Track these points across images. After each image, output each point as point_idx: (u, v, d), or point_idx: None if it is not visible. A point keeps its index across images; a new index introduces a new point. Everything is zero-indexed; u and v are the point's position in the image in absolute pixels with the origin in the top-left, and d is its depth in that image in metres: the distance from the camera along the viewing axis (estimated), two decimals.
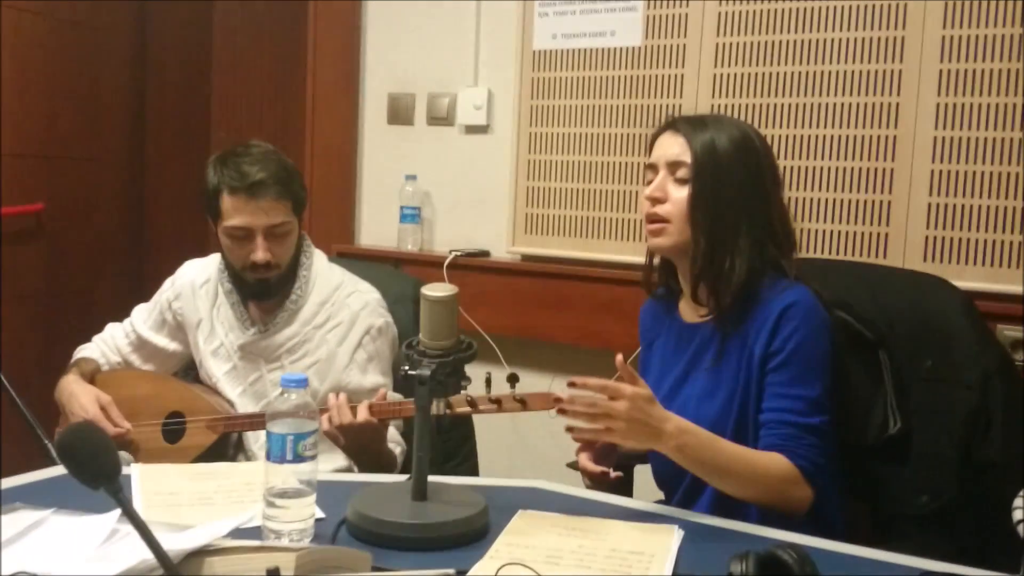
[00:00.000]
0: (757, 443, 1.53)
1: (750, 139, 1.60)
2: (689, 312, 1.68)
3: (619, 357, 1.43)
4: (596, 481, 1.64)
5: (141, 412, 2.00)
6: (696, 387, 1.62)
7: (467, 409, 1.61)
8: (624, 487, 1.85)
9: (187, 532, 1.16)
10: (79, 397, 1.95)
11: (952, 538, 1.57)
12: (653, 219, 1.61)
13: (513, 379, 1.59)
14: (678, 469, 1.51)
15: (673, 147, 1.60)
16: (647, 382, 1.72)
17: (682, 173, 1.58)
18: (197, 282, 2.06)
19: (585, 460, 1.65)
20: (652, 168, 1.63)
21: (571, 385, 1.42)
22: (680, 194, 1.58)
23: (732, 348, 1.58)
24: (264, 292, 1.97)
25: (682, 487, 1.63)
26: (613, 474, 1.63)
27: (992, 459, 1.59)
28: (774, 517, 1.49)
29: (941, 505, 1.61)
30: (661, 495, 1.73)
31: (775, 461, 1.48)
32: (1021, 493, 1.16)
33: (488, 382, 1.59)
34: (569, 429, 1.46)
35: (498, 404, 1.63)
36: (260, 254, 1.90)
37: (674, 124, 1.63)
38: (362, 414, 1.76)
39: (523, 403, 1.64)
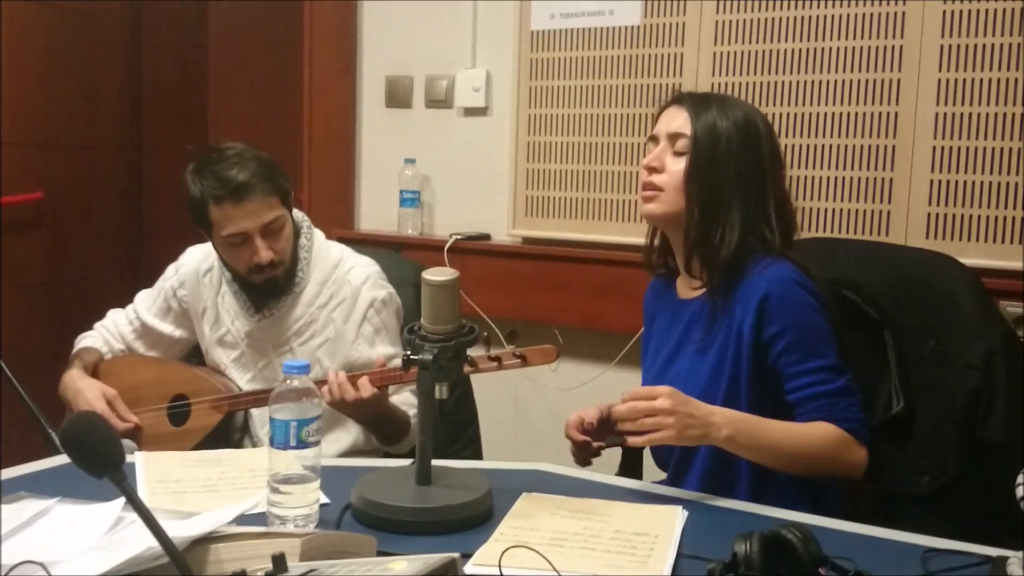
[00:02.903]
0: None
1: (753, 120, 1.61)
2: (684, 289, 1.69)
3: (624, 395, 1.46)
4: (580, 449, 1.66)
5: (145, 398, 2.00)
6: (685, 361, 1.64)
7: (468, 369, 1.60)
8: (633, 468, 1.86)
9: (192, 519, 1.16)
10: (84, 394, 1.94)
11: (955, 517, 1.58)
12: (648, 187, 1.63)
13: (512, 336, 1.59)
14: None
15: (676, 119, 1.62)
16: (646, 359, 1.74)
17: (681, 145, 1.60)
18: (201, 269, 2.06)
19: (573, 429, 1.66)
20: (654, 140, 1.66)
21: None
22: (677, 166, 1.60)
23: (719, 322, 1.59)
24: (274, 290, 1.96)
25: (674, 459, 1.64)
26: (596, 444, 1.65)
27: (995, 439, 1.59)
28: (767, 491, 1.51)
29: (943, 485, 1.61)
30: (664, 475, 1.73)
31: (824, 429, 1.50)
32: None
33: (487, 341, 1.58)
34: (625, 441, 1.47)
35: (498, 361, 1.63)
36: (263, 254, 1.88)
37: (679, 99, 1.65)
38: (365, 389, 1.76)
39: (523, 358, 1.64)
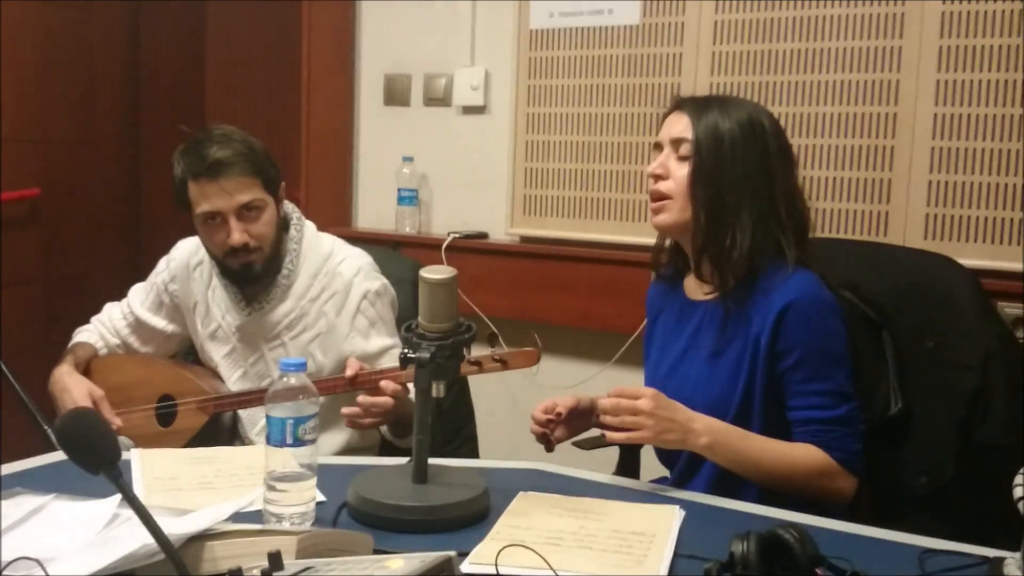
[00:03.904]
0: (762, 430, 1.53)
1: (757, 119, 1.60)
2: (693, 289, 1.68)
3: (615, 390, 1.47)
4: (539, 436, 1.63)
5: (134, 398, 1.99)
6: (695, 366, 1.63)
7: None
8: (630, 468, 1.86)
9: (188, 516, 1.16)
10: (71, 392, 1.92)
11: (952, 518, 1.58)
12: (655, 196, 1.62)
13: (493, 339, 1.59)
14: None
15: (677, 125, 1.61)
16: (650, 357, 1.74)
17: (684, 150, 1.59)
18: (191, 264, 2.04)
19: (540, 412, 1.62)
20: (658, 147, 1.65)
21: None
22: (681, 171, 1.59)
23: (734, 330, 1.58)
24: (251, 278, 1.91)
25: (680, 461, 1.64)
26: (554, 437, 1.63)
27: (992, 440, 1.59)
28: (774, 496, 1.50)
29: (941, 486, 1.62)
30: (662, 474, 1.73)
31: (810, 454, 1.50)
32: (1022, 471, 1.16)
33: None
34: (602, 435, 1.49)
35: (479, 365, 1.62)
36: (236, 236, 1.84)
37: (681, 104, 1.64)
38: (389, 388, 1.70)
39: (503, 363, 1.63)
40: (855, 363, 1.58)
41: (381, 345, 1.93)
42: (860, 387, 1.60)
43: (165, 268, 2.07)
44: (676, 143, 1.60)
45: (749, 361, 1.55)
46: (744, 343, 1.56)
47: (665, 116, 1.66)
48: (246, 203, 1.85)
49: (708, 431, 1.47)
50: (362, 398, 1.71)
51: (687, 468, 1.62)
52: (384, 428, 1.88)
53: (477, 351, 1.56)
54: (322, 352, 1.94)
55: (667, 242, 1.72)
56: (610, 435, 1.48)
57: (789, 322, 1.52)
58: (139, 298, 2.09)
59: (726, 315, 1.59)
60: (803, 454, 1.50)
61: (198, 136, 1.89)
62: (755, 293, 1.56)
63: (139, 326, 2.09)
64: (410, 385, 1.86)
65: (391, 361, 1.85)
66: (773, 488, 1.51)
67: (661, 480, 1.69)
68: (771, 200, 1.57)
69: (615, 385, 1.49)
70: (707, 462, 1.56)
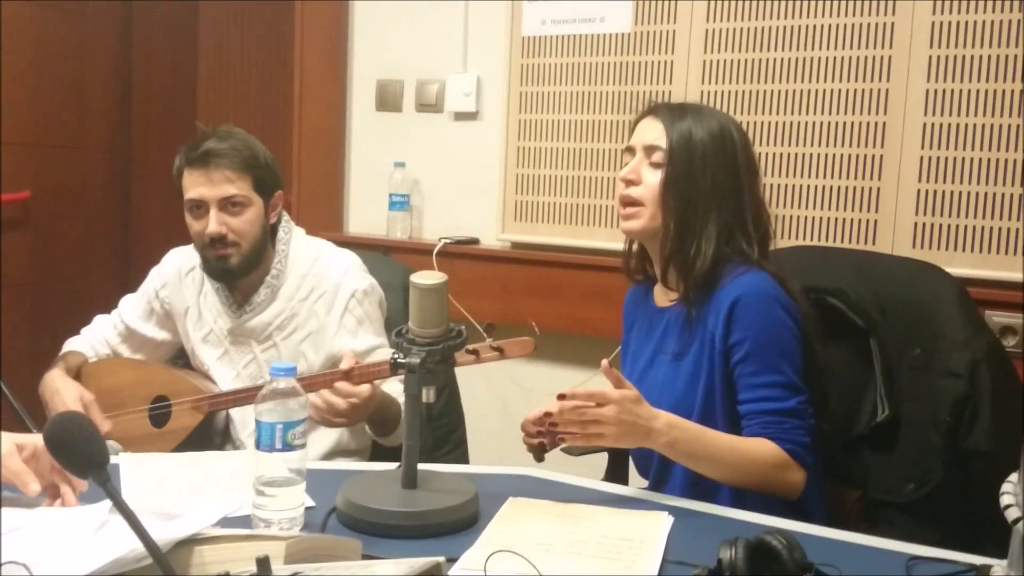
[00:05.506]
0: (727, 428, 1.54)
1: (728, 130, 1.61)
2: (660, 297, 1.70)
3: (604, 363, 1.45)
4: (532, 448, 1.63)
5: (127, 400, 1.99)
6: (660, 370, 1.65)
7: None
8: (619, 474, 1.86)
9: (176, 521, 1.16)
10: (62, 394, 1.92)
11: (939, 525, 1.58)
12: (626, 201, 1.63)
13: (490, 329, 1.59)
14: (649, 449, 1.52)
15: (651, 131, 1.62)
16: (625, 366, 1.74)
17: (657, 157, 1.60)
18: (183, 270, 2.05)
19: (529, 422, 1.61)
20: (630, 151, 1.66)
21: (560, 398, 1.43)
22: (653, 178, 1.60)
23: (694, 332, 1.59)
24: (225, 272, 1.93)
25: (654, 466, 1.65)
26: (547, 447, 1.62)
27: (979, 447, 1.60)
28: (749, 498, 1.51)
29: (928, 493, 1.62)
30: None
31: (764, 447, 1.50)
32: (1009, 478, 1.17)
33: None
34: (562, 439, 1.48)
35: (476, 355, 1.62)
36: (212, 226, 1.87)
37: (654, 110, 1.65)
38: (361, 391, 1.68)
39: (501, 351, 1.63)
40: (822, 371, 1.59)
41: (369, 344, 1.94)
42: (844, 396, 1.60)
43: (156, 276, 2.10)
44: (649, 150, 1.62)
45: (707, 360, 1.57)
46: (702, 343, 1.58)
47: (638, 120, 1.67)
48: (230, 196, 1.89)
49: (669, 430, 1.45)
50: (316, 398, 1.67)
51: (660, 472, 1.63)
52: (369, 428, 1.89)
53: (473, 343, 1.57)
54: (314, 351, 1.95)
55: (634, 247, 1.73)
56: (570, 440, 1.47)
57: (738, 315, 1.53)
58: (130, 307, 2.11)
59: (687, 318, 1.60)
60: (758, 448, 1.50)
61: (205, 131, 1.95)
62: (714, 296, 1.57)
63: (130, 335, 2.09)
64: (400, 388, 1.86)
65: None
66: (731, 484, 1.51)
67: (649, 487, 1.69)
68: (737, 211, 1.59)
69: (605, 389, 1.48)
70: (678, 466, 1.56)
